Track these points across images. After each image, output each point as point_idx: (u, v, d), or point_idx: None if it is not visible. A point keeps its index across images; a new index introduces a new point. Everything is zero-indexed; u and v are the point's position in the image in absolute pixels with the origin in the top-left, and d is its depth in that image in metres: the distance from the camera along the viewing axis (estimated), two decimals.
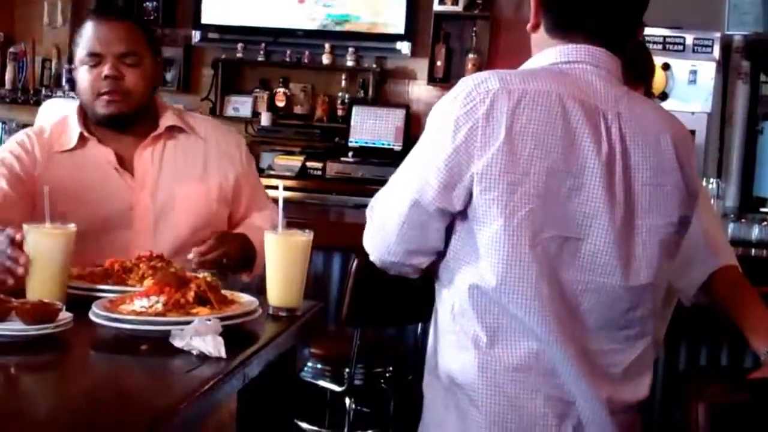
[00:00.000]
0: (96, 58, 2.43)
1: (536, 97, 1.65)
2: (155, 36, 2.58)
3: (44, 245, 1.97)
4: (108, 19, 2.47)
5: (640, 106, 1.76)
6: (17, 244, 1.95)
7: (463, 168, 1.65)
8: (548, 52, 1.75)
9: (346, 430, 3.32)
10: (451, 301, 1.75)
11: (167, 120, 2.54)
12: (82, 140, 2.49)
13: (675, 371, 3.50)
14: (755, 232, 4.30)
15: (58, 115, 2.67)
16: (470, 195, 1.66)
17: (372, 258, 1.83)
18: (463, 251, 1.71)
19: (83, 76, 2.45)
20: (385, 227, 1.76)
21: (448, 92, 1.73)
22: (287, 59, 6.25)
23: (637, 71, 2.38)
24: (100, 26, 2.45)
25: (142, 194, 2.46)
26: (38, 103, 6.19)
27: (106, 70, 2.41)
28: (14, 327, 1.74)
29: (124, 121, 2.47)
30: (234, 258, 2.33)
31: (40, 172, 2.43)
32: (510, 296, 1.65)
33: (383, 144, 5.95)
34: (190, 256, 2.27)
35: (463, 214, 1.69)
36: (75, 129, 2.49)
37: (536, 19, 1.79)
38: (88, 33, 2.45)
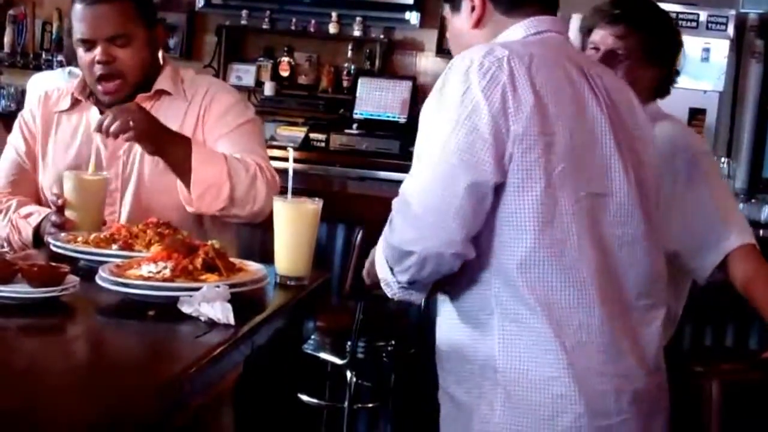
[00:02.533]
0: (87, 44, 2.46)
1: (541, 59, 1.69)
2: (148, 4, 2.54)
3: (82, 188, 2.33)
4: (94, 3, 2.43)
5: (602, 68, 1.89)
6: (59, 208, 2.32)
7: (505, 135, 1.63)
8: (514, 29, 1.79)
9: (346, 403, 3.31)
10: (491, 284, 1.69)
11: (159, 83, 2.56)
12: (77, 101, 2.60)
13: (679, 351, 3.49)
14: (765, 213, 4.28)
15: (47, 88, 2.77)
16: (510, 161, 1.63)
17: (427, 254, 1.66)
18: (505, 226, 1.66)
19: (80, 56, 2.50)
20: (443, 219, 1.63)
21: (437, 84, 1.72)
22: (292, 27, 6.16)
23: (658, 53, 2.34)
24: (87, 10, 2.44)
25: (117, 155, 2.53)
26: (38, 68, 6.16)
27: (97, 55, 2.44)
28: (20, 289, 1.73)
29: (125, 101, 2.48)
30: (141, 129, 2.28)
31: (43, 133, 2.61)
32: (559, 264, 1.65)
33: (389, 116, 5.88)
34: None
35: (500, 186, 1.65)
36: (70, 91, 2.60)
37: (481, 12, 1.81)
38: (78, 17, 2.46)
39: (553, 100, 1.67)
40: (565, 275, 1.66)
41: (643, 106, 2.36)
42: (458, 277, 1.72)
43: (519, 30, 1.79)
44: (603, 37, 2.37)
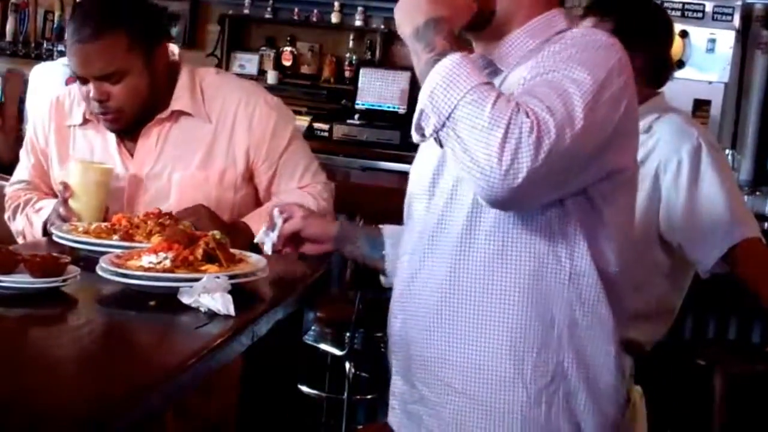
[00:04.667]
0: (81, 79, 2.36)
1: None
2: (146, 27, 2.36)
3: (85, 177, 2.31)
4: (82, 42, 2.28)
5: None
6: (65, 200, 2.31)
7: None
8: (556, 20, 1.72)
9: (345, 394, 3.30)
10: (580, 287, 1.65)
11: (178, 102, 2.43)
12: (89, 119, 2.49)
13: (682, 343, 3.48)
14: None
15: (49, 80, 2.68)
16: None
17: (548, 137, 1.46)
18: (590, 220, 1.62)
19: (78, 86, 2.40)
20: (571, 110, 1.48)
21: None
22: (295, 17, 6.14)
23: (638, 36, 2.32)
24: (76, 48, 2.30)
25: (135, 180, 2.43)
26: (39, 57, 6.16)
27: (91, 92, 2.33)
28: (22, 280, 1.73)
29: (129, 129, 2.42)
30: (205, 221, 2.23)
31: (59, 143, 2.52)
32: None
33: (389, 107, 5.86)
34: None
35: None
36: (81, 107, 2.48)
37: None
38: (69, 51, 2.34)
39: None
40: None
41: (646, 99, 2.37)
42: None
43: (561, 22, 1.73)
44: None
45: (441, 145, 1.52)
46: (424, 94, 1.51)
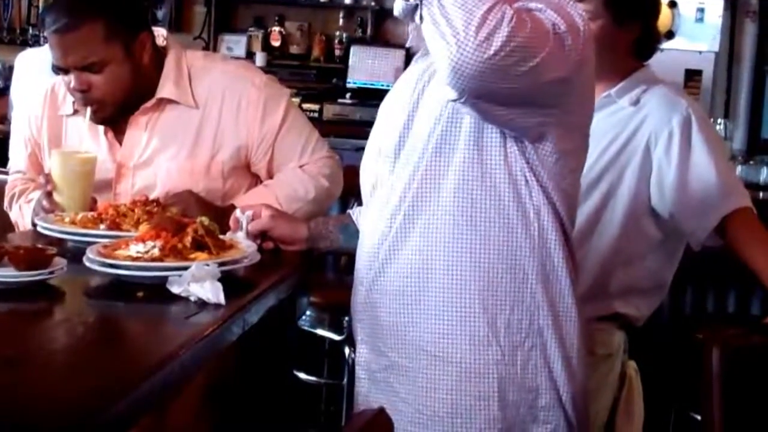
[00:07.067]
0: (61, 70, 2.32)
1: None
2: (125, 15, 2.33)
3: (66, 167, 2.27)
4: (59, 32, 2.25)
5: None
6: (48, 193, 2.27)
7: None
8: None
9: (345, 380, 3.29)
10: (548, 243, 1.70)
11: (163, 90, 2.39)
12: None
13: (681, 317, 3.48)
14: (763, 175, 4.26)
15: (35, 67, 2.65)
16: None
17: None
18: (551, 175, 1.71)
19: (61, 77, 2.37)
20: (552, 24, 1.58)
21: None
22: None
23: (625, 9, 2.30)
24: (54, 38, 2.27)
25: (124, 170, 2.41)
26: (25, 43, 6.10)
27: (72, 83, 2.29)
28: (6, 273, 1.71)
29: (114, 119, 2.39)
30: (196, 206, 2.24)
31: (52, 135, 2.49)
32: None
33: (382, 85, 5.82)
34: None
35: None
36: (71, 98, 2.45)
37: None
38: (49, 42, 2.30)
39: None
40: None
41: (633, 71, 2.38)
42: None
43: None
44: None
45: (420, 19, 1.54)
46: None
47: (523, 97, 1.58)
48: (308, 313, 3.31)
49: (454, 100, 1.58)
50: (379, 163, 1.79)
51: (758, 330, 2.20)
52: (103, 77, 2.29)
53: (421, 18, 1.53)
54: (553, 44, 1.54)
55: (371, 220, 1.80)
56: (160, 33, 2.49)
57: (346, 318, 3.11)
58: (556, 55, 1.55)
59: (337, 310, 3.22)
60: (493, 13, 1.48)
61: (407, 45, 1.81)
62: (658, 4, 2.49)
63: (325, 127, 5.61)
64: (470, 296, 1.68)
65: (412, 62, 1.84)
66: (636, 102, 2.34)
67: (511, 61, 1.49)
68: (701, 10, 5.04)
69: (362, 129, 5.47)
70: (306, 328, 3.28)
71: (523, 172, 1.67)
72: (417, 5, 1.53)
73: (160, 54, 2.42)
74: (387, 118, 1.81)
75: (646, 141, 2.31)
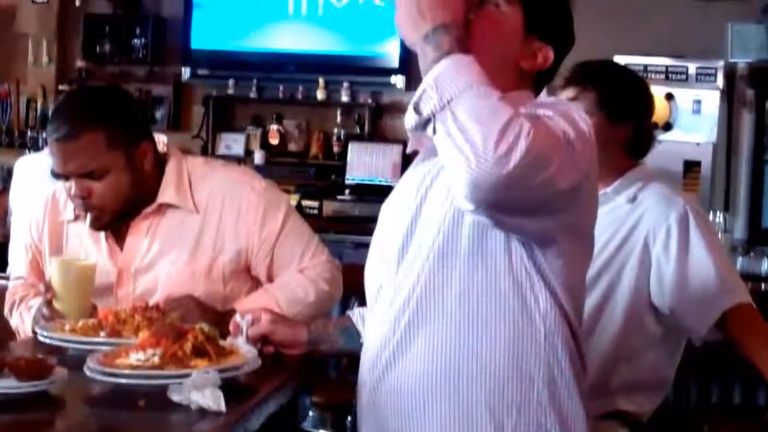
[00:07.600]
0: (62, 177, 2.33)
1: None
2: (125, 126, 2.34)
3: (66, 275, 2.26)
4: (60, 140, 2.27)
5: None
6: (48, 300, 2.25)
7: None
8: (524, 97, 1.76)
9: None
10: (555, 345, 1.69)
11: (164, 195, 2.40)
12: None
13: (686, 409, 3.44)
14: (764, 266, 4.25)
15: (35, 172, 2.67)
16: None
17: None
18: (556, 276, 1.71)
19: (62, 183, 2.38)
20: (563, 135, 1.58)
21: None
22: (280, 95, 6.16)
23: (619, 108, 2.33)
24: (55, 146, 2.29)
25: (125, 274, 2.41)
26: (23, 146, 6.16)
27: (72, 189, 2.31)
28: (7, 384, 1.71)
29: (113, 226, 2.39)
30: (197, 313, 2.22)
31: (53, 242, 2.48)
32: None
33: (380, 181, 5.85)
34: None
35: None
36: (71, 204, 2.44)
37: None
38: (50, 149, 2.33)
39: None
40: None
41: (628, 169, 2.41)
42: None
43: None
44: None
45: (434, 131, 1.53)
46: (429, 77, 1.54)
47: (537, 205, 1.59)
48: (311, 413, 3.27)
49: (469, 211, 1.58)
50: (383, 267, 1.78)
51: (763, 425, 2.17)
52: (104, 184, 2.29)
53: (434, 131, 1.53)
54: (564, 153, 1.56)
55: (376, 321, 1.79)
56: (161, 139, 2.52)
57: (349, 418, 3.07)
58: (568, 164, 1.55)
59: (340, 409, 3.20)
60: (510, 128, 1.47)
61: (408, 151, 1.81)
62: (652, 103, 2.54)
63: (324, 224, 5.65)
64: (477, 400, 1.66)
65: (412, 166, 1.83)
66: (633, 199, 2.37)
67: (528, 172, 1.49)
68: (698, 102, 5.10)
69: (362, 225, 5.50)
70: (309, 429, 3.24)
71: (529, 276, 1.66)
72: (430, 119, 1.52)
73: (161, 160, 2.44)
74: (389, 222, 1.81)
75: (645, 237, 2.33)
